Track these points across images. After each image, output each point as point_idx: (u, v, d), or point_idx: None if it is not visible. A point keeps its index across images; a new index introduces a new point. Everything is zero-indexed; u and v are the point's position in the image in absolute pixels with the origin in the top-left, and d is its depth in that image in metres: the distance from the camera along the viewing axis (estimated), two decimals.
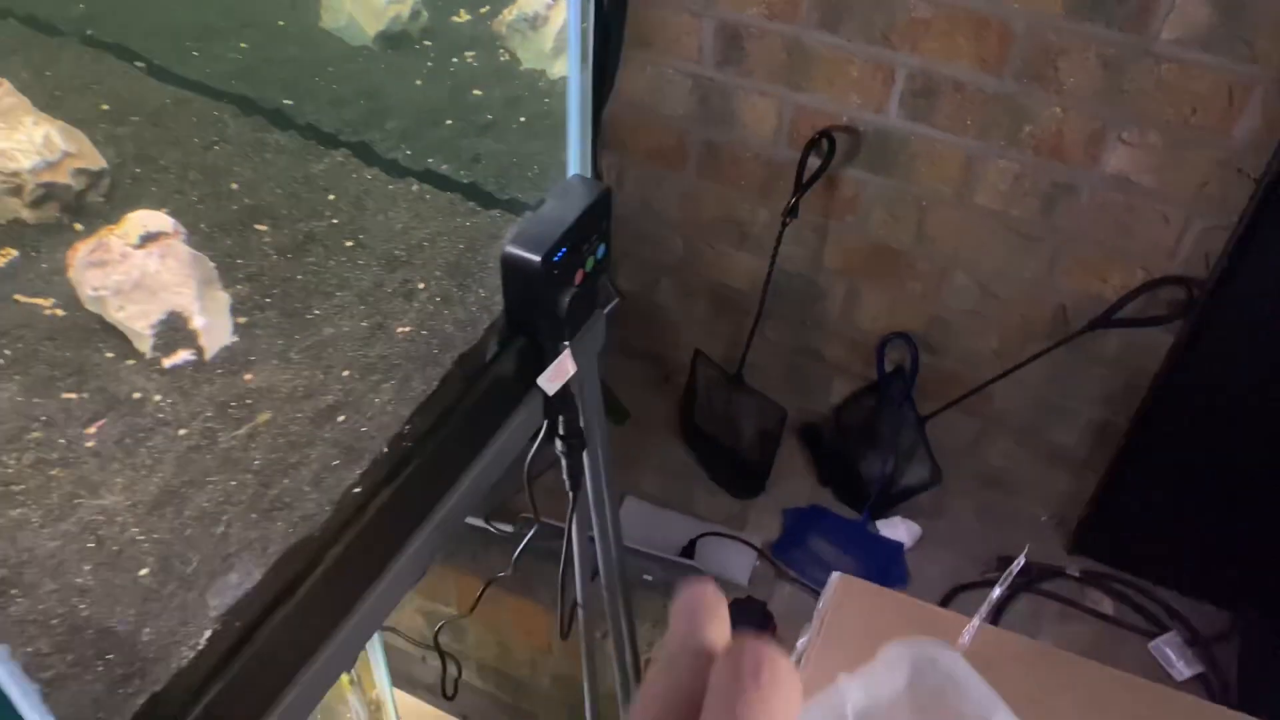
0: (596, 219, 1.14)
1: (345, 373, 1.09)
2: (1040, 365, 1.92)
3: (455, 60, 1.40)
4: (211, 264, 1.12)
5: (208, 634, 0.91)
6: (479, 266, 1.17)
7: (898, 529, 2.17)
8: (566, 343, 1.21)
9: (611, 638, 1.78)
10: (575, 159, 1.17)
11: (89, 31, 1.41)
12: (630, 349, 2.47)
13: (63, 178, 1.19)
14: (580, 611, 1.67)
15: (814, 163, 1.89)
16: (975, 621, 1.36)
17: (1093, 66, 1.62)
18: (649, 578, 2.03)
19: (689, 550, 2.10)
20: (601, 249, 1.17)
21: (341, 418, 1.06)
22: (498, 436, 1.19)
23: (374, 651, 2.02)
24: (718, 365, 2.24)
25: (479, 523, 2.05)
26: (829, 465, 2.28)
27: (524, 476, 1.41)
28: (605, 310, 1.36)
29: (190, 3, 1.50)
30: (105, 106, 1.31)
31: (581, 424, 1.39)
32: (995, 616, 2.04)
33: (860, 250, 2.02)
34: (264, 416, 1.06)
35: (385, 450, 1.04)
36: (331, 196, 1.21)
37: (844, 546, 2.15)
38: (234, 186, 1.21)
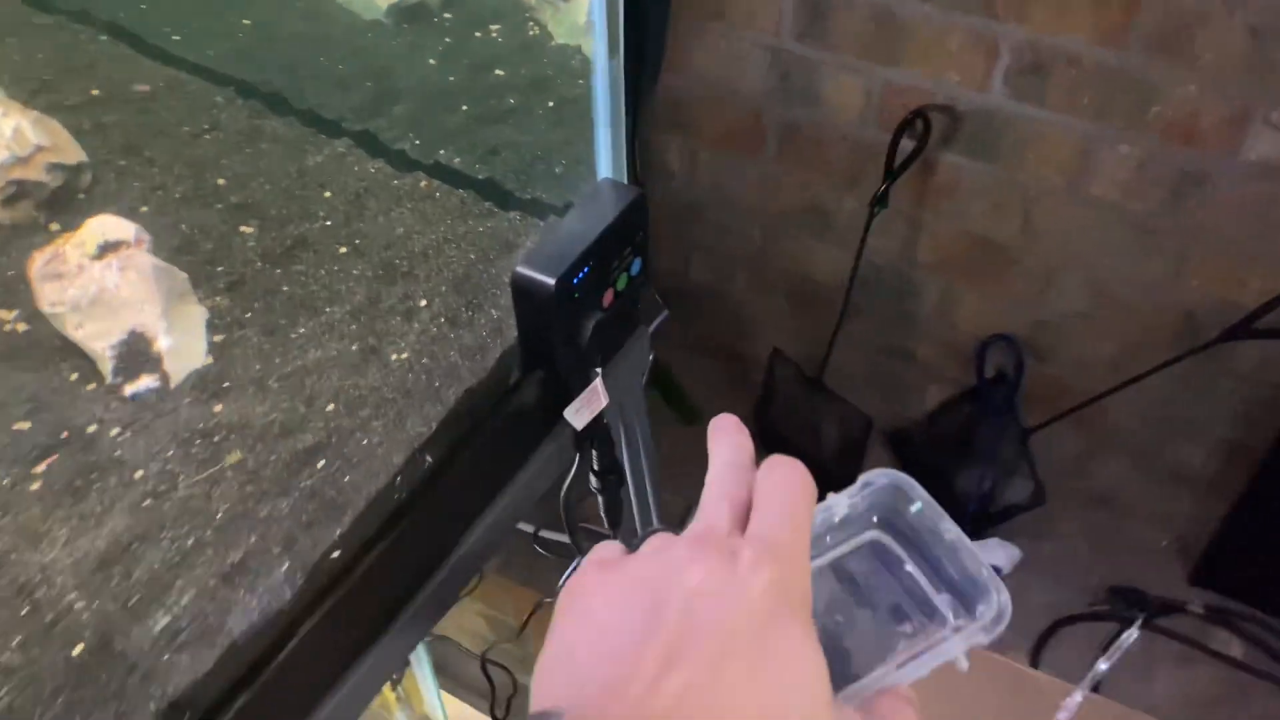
0: (630, 230, 0.97)
1: (330, 407, 0.94)
2: (1163, 377, 1.69)
3: (478, 34, 1.23)
4: (182, 274, 0.97)
5: None
6: (492, 281, 1.01)
7: (995, 553, 1.96)
8: (598, 370, 1.05)
9: None
10: (606, 160, 1.00)
11: (86, 9, 1.28)
12: (703, 345, 2.30)
13: (35, 174, 1.06)
14: None
15: (907, 146, 1.68)
16: (1076, 697, 1.16)
17: (1237, 36, 1.38)
18: None
19: None
20: (637, 264, 1.00)
21: (322, 463, 0.91)
22: (517, 479, 1.03)
23: (421, 667, 1.90)
24: (797, 366, 2.05)
25: (530, 529, 1.91)
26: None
27: (560, 511, 1.26)
28: (651, 327, 1.19)
29: None
30: (96, 91, 1.17)
31: (624, 454, 1.23)
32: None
33: (958, 244, 1.80)
34: (233, 457, 0.91)
35: (372, 505, 0.89)
36: (328, 194, 1.06)
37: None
38: (221, 182, 1.07)
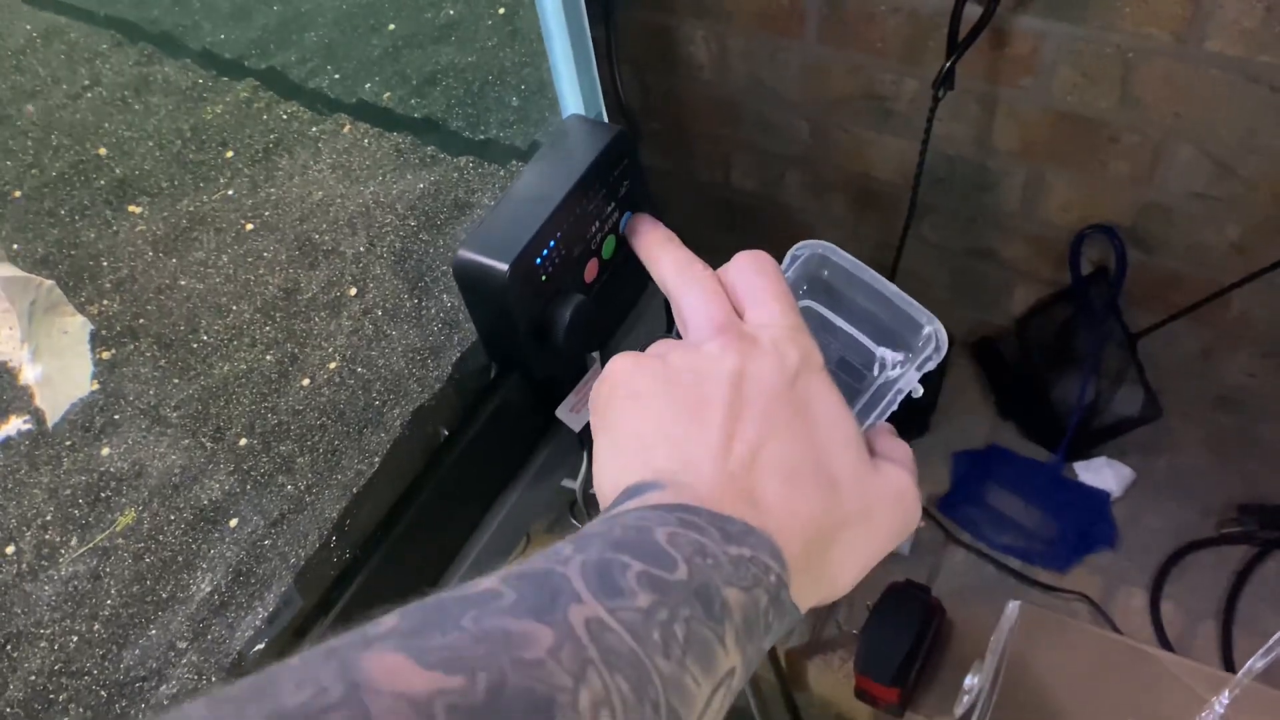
0: (611, 180, 0.73)
1: (243, 441, 0.73)
2: None
3: None
4: (47, 283, 0.77)
5: None
6: (441, 255, 0.78)
7: (1103, 473, 1.72)
8: (595, 356, 0.83)
9: None
10: (571, 90, 0.75)
11: None
12: None
13: None
14: None
15: (973, 12, 1.39)
16: (1224, 699, 0.95)
17: None
18: None
19: None
20: (627, 220, 0.76)
21: (235, 521, 0.71)
22: (502, 503, 0.82)
23: None
24: None
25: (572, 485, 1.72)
26: (1011, 393, 1.83)
27: (580, 503, 1.07)
28: None
29: None
30: None
31: None
32: (1239, 586, 1.59)
33: (1043, 123, 1.52)
34: (125, 519, 0.72)
35: (302, 575, 0.69)
36: (229, 154, 0.84)
37: (1032, 498, 1.72)
38: (102, 152, 0.86)
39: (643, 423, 0.40)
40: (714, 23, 1.66)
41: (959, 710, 1.17)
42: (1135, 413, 1.68)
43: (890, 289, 0.50)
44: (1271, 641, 0.91)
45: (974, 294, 1.84)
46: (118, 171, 0.85)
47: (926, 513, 1.71)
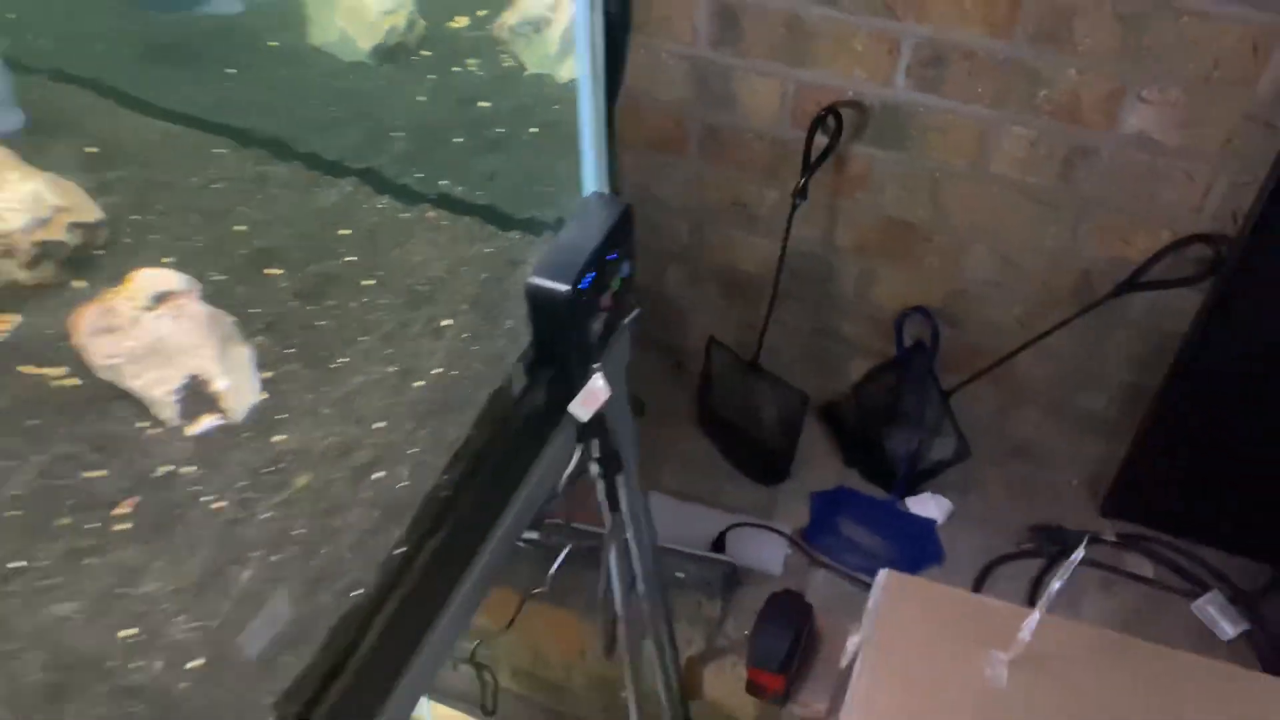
0: (621, 238, 1.09)
1: (378, 424, 1.04)
2: (1066, 332, 1.88)
3: (456, 69, 1.33)
4: (230, 318, 1.06)
5: None
6: (502, 296, 1.12)
7: (928, 505, 2.13)
8: (597, 365, 1.16)
9: (652, 642, 1.74)
10: (592, 175, 1.11)
11: (61, 67, 1.33)
12: (642, 339, 2.42)
13: (57, 234, 1.12)
14: (622, 624, 1.63)
15: (821, 142, 1.83)
16: (1036, 615, 1.32)
17: (1109, 24, 1.56)
18: (681, 575, 1.99)
19: (719, 543, 2.06)
20: (626, 268, 1.12)
21: (378, 474, 1.01)
22: (533, 471, 1.14)
23: None
24: (733, 351, 2.19)
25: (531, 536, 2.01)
26: (854, 445, 2.24)
27: (563, 500, 1.37)
28: (626, 321, 1.31)
29: (166, 29, 1.41)
30: (91, 149, 1.24)
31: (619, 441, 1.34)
32: (1035, 589, 2.01)
33: (874, 227, 1.96)
34: (303, 480, 1.01)
35: (425, 505, 1.00)
36: (343, 232, 1.15)
37: (875, 528, 2.11)
38: (241, 229, 1.15)
39: None
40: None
41: (844, 663, 1.51)
42: (950, 456, 2.11)
43: None
44: (1061, 570, 1.29)
45: (822, 367, 2.26)
46: (256, 243, 1.13)
47: (793, 542, 2.08)
